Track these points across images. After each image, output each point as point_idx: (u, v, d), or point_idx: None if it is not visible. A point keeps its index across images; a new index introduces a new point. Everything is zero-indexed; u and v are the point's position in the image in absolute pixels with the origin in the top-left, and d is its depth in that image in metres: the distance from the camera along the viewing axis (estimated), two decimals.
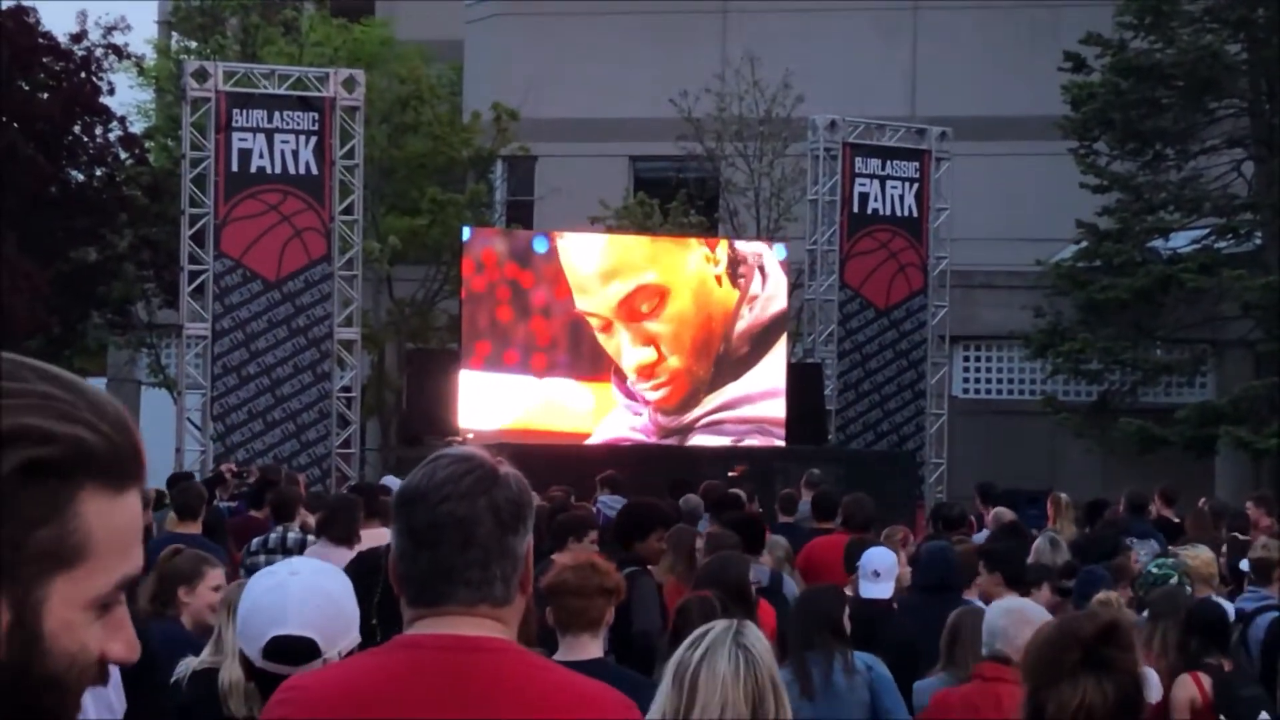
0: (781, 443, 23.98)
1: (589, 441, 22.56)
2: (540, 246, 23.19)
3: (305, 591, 3.73)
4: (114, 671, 4.60)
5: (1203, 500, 16.11)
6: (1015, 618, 6.31)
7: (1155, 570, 9.34)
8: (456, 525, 2.74)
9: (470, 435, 21.57)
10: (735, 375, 23.78)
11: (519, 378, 22.50)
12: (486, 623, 2.77)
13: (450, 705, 2.70)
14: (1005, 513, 14.28)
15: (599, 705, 2.79)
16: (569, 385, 22.85)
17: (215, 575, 7.07)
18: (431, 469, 2.82)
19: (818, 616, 8.02)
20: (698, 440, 23.44)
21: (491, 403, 22.38)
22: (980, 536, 13.55)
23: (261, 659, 3.80)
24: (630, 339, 23.10)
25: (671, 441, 23.35)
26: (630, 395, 23.12)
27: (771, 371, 24.11)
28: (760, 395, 23.99)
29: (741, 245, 24.82)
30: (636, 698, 3.63)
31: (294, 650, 3.67)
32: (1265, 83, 28.25)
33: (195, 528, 11.06)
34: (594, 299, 22.91)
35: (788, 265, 24.51)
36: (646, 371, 23.19)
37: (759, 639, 3.95)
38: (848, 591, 9.62)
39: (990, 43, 33.15)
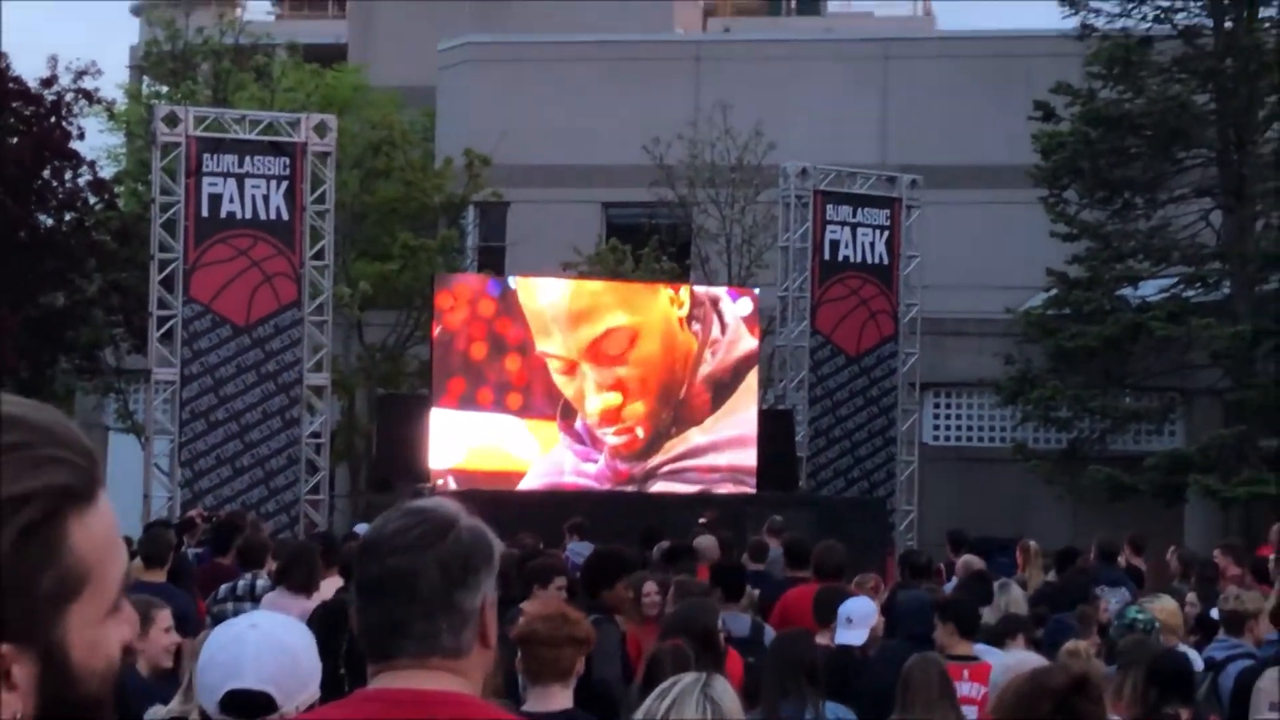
0: (752, 490, 23.95)
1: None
2: (499, 289, 23.15)
3: (263, 645, 3.68)
4: None
5: (1170, 549, 16.13)
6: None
7: (1136, 615, 9.30)
8: (400, 579, 2.73)
9: (440, 482, 21.52)
10: (696, 421, 23.74)
11: (492, 416, 22.44)
12: (443, 675, 2.74)
13: None
14: (974, 561, 14.26)
15: None
16: (544, 426, 22.81)
17: (164, 617, 7.00)
18: (383, 522, 2.82)
19: (792, 662, 8.00)
20: (662, 487, 23.38)
21: (462, 442, 22.32)
22: (950, 585, 13.54)
23: (218, 713, 3.76)
24: (595, 383, 23.05)
25: (635, 489, 23.28)
26: (580, 439, 23.04)
27: (741, 419, 24.08)
28: (729, 442, 23.95)
29: (700, 290, 24.83)
30: None
31: (250, 704, 3.63)
32: (1233, 132, 28.41)
33: (161, 575, 11.00)
34: (557, 341, 22.87)
35: (756, 315, 24.50)
36: (611, 416, 23.14)
37: (727, 690, 3.93)
38: (821, 640, 9.59)
39: (961, 91, 33.32)
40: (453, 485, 21.74)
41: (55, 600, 1.56)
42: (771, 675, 7.87)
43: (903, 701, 7.48)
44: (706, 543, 14.51)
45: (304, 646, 3.74)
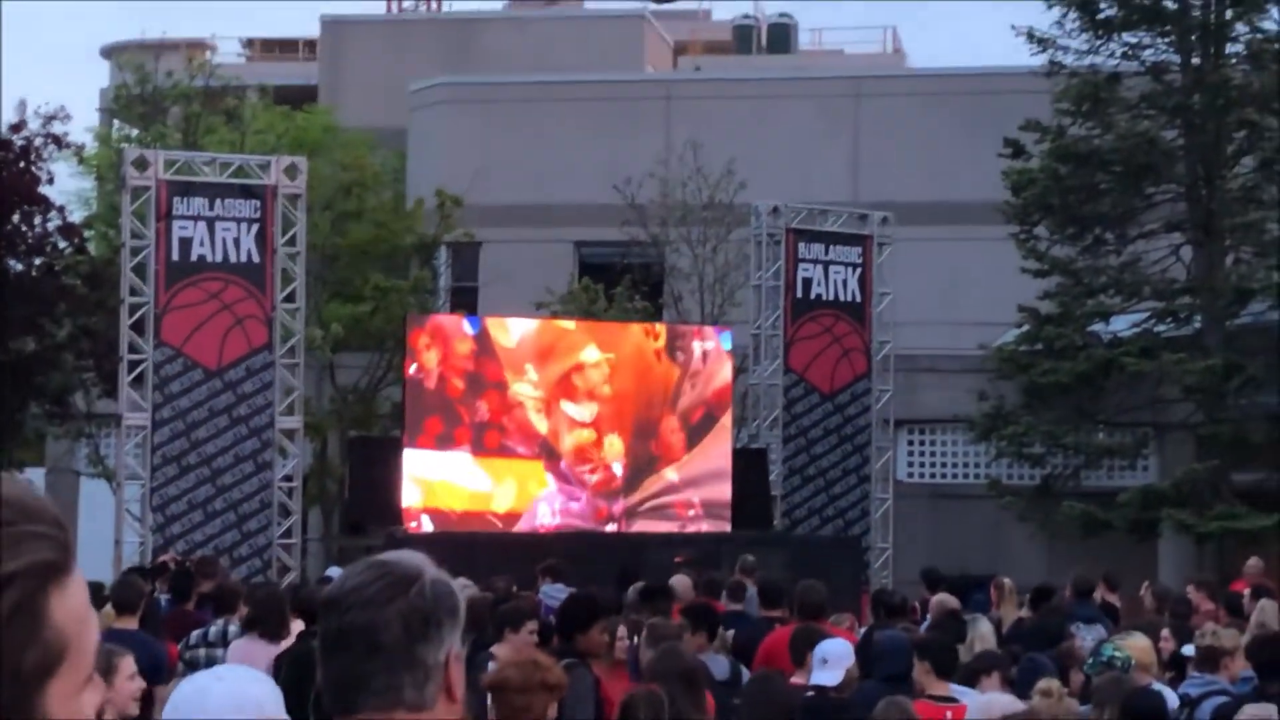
0: (728, 526, 23.92)
1: (518, 528, 22.41)
2: (474, 328, 23.15)
3: (227, 697, 3.65)
4: None
5: (1144, 585, 16.13)
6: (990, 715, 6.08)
7: (1113, 653, 9.26)
8: (360, 633, 2.72)
9: (414, 524, 21.44)
10: (676, 456, 23.74)
11: (468, 456, 22.40)
12: None
13: None
14: (949, 599, 14.23)
15: None
16: (524, 466, 22.77)
17: (127, 664, 6.94)
18: (346, 576, 2.82)
19: (768, 704, 8.00)
20: (642, 525, 23.34)
21: (437, 483, 22.26)
22: (926, 624, 13.50)
23: None
24: (569, 420, 23.04)
25: (614, 528, 23.25)
26: (565, 478, 23.02)
27: (717, 453, 24.09)
28: (706, 477, 23.95)
29: (681, 326, 24.92)
30: None
31: None
32: (1202, 167, 28.56)
33: (133, 622, 10.91)
34: (532, 379, 22.85)
35: (731, 353, 24.53)
36: (585, 453, 23.11)
37: None
38: (797, 680, 9.56)
39: (931, 129, 33.46)
40: (428, 526, 21.69)
41: (38, 677, 1.54)
42: (747, 715, 7.86)
43: None
44: (681, 583, 14.48)
45: (270, 699, 3.70)
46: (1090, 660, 9.43)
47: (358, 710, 2.74)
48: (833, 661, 9.40)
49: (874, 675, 9.49)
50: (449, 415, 22.47)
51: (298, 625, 10.32)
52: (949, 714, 8.13)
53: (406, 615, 2.72)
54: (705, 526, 23.76)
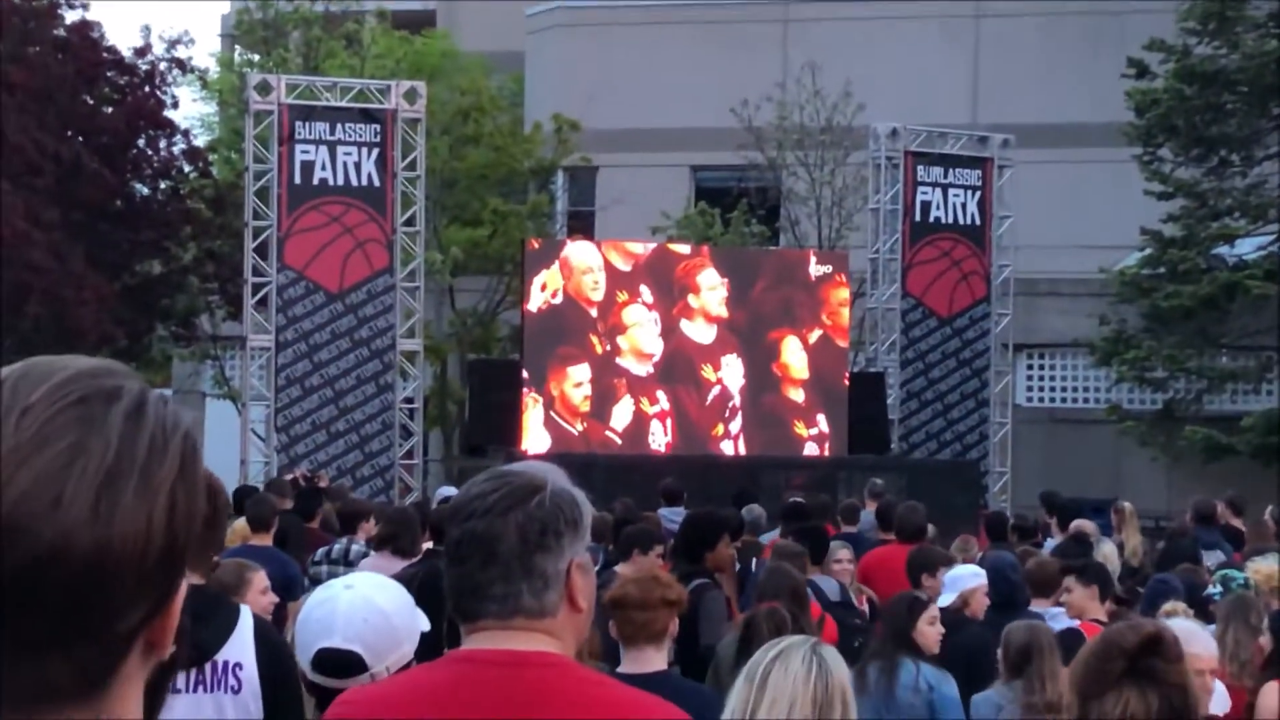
0: (845, 451, 23.97)
1: (635, 447, 22.64)
2: (592, 252, 23.28)
3: (355, 606, 3.72)
4: (252, 678, 4.58)
5: (1268, 510, 15.97)
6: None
7: (1235, 576, 9.21)
8: (478, 542, 2.78)
9: (525, 449, 21.62)
10: (795, 378, 23.88)
11: (586, 375, 22.66)
12: (535, 636, 2.79)
13: (501, 718, 2.72)
14: (1086, 524, 14.10)
15: (649, 718, 2.79)
16: (636, 384, 23.00)
17: (259, 579, 7.04)
18: (469, 487, 2.88)
19: (887, 624, 8.08)
20: (758, 445, 23.47)
21: (556, 406, 22.51)
22: (1048, 546, 13.46)
23: (312, 671, 3.82)
24: (685, 341, 23.25)
25: (730, 447, 23.37)
26: (680, 398, 23.19)
27: (834, 377, 24.15)
28: (822, 400, 24.04)
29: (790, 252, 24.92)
30: (701, 710, 3.62)
31: (340, 664, 3.67)
32: None
33: (267, 539, 11.10)
34: (645, 302, 23.06)
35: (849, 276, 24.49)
36: (700, 373, 23.33)
37: (835, 654, 3.92)
38: None
39: (1053, 49, 32.99)
40: (543, 445, 21.93)
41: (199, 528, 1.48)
42: (885, 637, 7.94)
43: (1018, 671, 7.41)
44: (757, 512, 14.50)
45: (399, 609, 3.76)
46: (1219, 589, 9.37)
47: (479, 618, 2.80)
48: (949, 585, 9.41)
49: None
50: (567, 337, 22.65)
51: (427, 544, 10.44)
52: None
53: (523, 525, 2.77)
54: (821, 449, 23.81)
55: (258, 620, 5.22)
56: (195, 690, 4.68)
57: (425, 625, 3.85)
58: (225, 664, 4.76)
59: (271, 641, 5.14)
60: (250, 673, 4.97)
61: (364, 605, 3.72)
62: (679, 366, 23.22)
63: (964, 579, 9.43)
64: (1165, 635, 3.49)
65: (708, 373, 23.35)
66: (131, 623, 1.39)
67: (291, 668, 5.07)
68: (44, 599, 1.34)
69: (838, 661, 3.75)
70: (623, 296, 22.98)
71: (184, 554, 1.42)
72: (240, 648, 4.91)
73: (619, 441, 22.75)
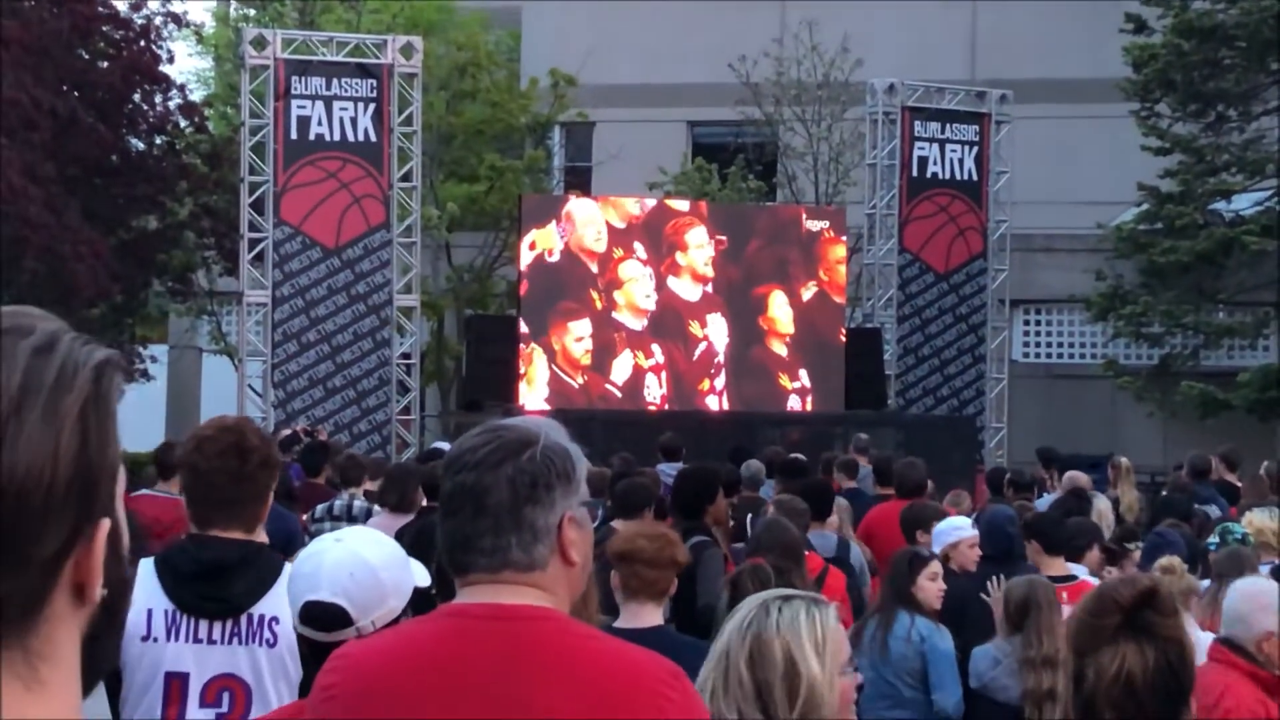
0: (842, 406, 24.01)
1: (630, 402, 22.74)
2: (586, 208, 23.27)
3: (341, 560, 3.74)
4: (288, 634, 4.59)
5: (1263, 465, 16.01)
6: (1253, 604, 5.57)
7: (1233, 530, 9.24)
8: (468, 494, 2.80)
9: (523, 403, 21.67)
10: (783, 332, 23.95)
11: (584, 332, 22.73)
12: (522, 589, 2.80)
13: (491, 673, 2.74)
14: (1080, 476, 14.14)
15: (640, 671, 2.79)
16: (632, 338, 23.06)
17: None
18: (462, 439, 2.90)
19: (889, 580, 8.13)
20: (746, 398, 23.57)
21: (552, 361, 22.56)
22: (1044, 502, 13.51)
23: (299, 625, 3.85)
24: (674, 297, 23.31)
25: (716, 401, 23.46)
26: (671, 351, 23.26)
27: (828, 332, 24.17)
28: (815, 355, 24.07)
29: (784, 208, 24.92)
30: (695, 663, 3.62)
31: (324, 617, 3.69)
32: None
33: None
34: (639, 258, 23.11)
35: (846, 232, 24.49)
36: (689, 328, 23.40)
37: (797, 609, 3.80)
38: None
39: (1050, 5, 32.88)
40: (542, 397, 21.99)
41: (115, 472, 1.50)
42: (884, 592, 7.99)
43: (1017, 625, 7.44)
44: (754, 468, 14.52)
45: (386, 563, 3.75)
46: (1216, 540, 9.40)
47: (469, 570, 2.82)
48: (936, 540, 9.43)
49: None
50: (569, 292, 22.71)
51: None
52: (1064, 594, 8.11)
53: (514, 478, 2.78)
54: (803, 403, 23.89)
55: None
56: (230, 642, 4.69)
57: (420, 581, 3.85)
58: (261, 617, 4.77)
59: None
60: (287, 628, 4.98)
61: (350, 559, 3.73)
62: (669, 322, 23.32)
63: (947, 533, 9.46)
64: (1161, 590, 3.51)
65: (695, 329, 23.45)
66: (45, 551, 1.40)
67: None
68: None
69: (792, 617, 3.69)
70: (619, 252, 23.03)
71: (98, 485, 1.44)
72: (278, 602, 4.92)
73: (618, 394, 22.84)
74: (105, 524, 1.47)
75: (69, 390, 1.41)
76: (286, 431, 18.00)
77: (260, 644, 4.83)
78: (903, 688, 7.81)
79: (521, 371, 22.32)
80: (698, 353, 23.46)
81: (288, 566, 5.20)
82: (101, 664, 1.54)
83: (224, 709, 4.81)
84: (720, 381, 23.53)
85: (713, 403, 23.48)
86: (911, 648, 7.80)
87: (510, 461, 2.79)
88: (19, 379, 1.40)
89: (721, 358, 23.54)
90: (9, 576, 1.39)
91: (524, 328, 22.53)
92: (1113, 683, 3.32)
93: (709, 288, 23.49)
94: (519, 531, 2.79)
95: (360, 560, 3.71)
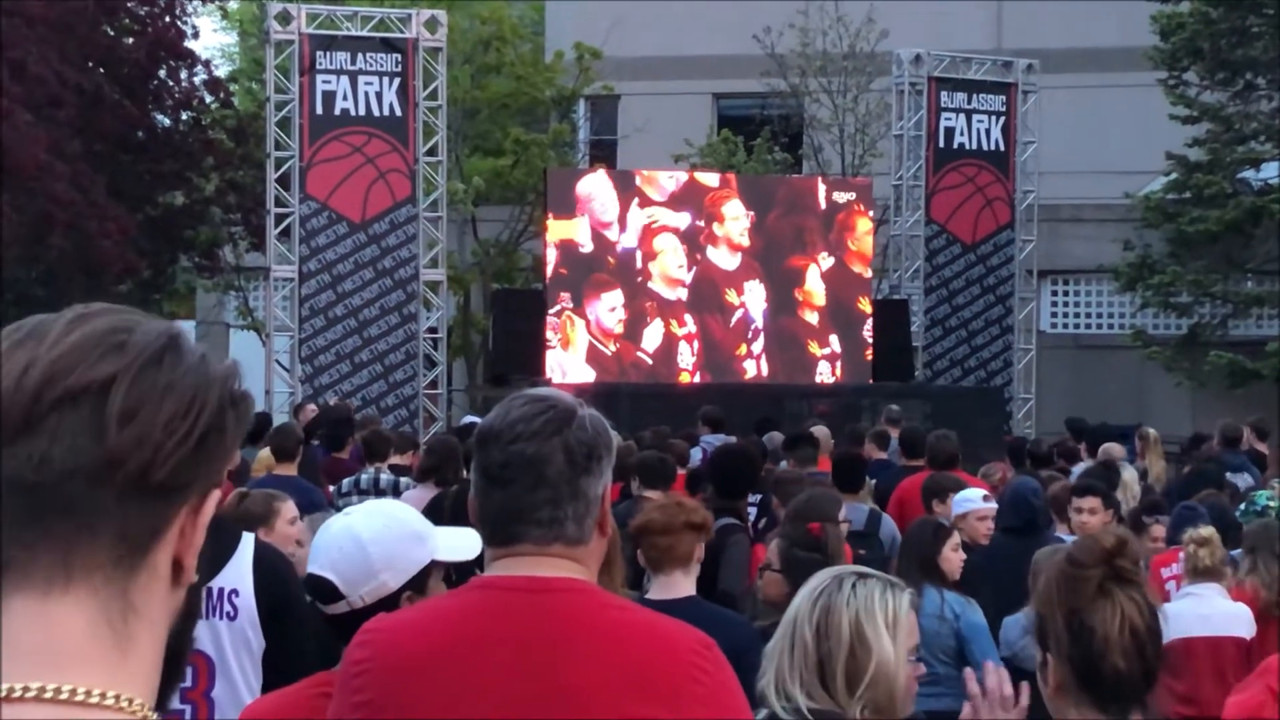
0: (869, 378, 23.99)
1: (664, 370, 22.80)
2: (616, 181, 23.26)
3: (336, 534, 3.73)
4: (249, 605, 4.63)
5: None
6: None
7: (1267, 500, 9.20)
8: (527, 464, 2.77)
9: (550, 377, 21.70)
10: (815, 303, 23.97)
11: (614, 304, 22.79)
12: (562, 563, 2.79)
13: (525, 646, 2.73)
14: (1114, 448, 14.08)
15: (673, 642, 2.78)
16: (672, 312, 23.12)
17: (288, 509, 7.06)
18: (506, 408, 2.85)
19: (909, 551, 8.07)
20: (778, 366, 23.61)
21: (580, 334, 22.60)
22: (1077, 471, 13.46)
23: (308, 597, 3.88)
24: (709, 266, 23.35)
25: (751, 368, 23.50)
26: (704, 320, 23.31)
27: (856, 304, 24.15)
28: (844, 326, 24.08)
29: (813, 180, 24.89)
30: (727, 634, 3.62)
31: (318, 590, 3.69)
32: None
33: (292, 469, 11.16)
34: (672, 229, 23.14)
35: (872, 203, 24.45)
36: (724, 297, 23.44)
37: (858, 587, 3.82)
38: None
39: None
40: (569, 379, 21.99)
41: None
42: (906, 564, 7.91)
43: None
44: (822, 433, 14.54)
45: (378, 538, 3.68)
46: (1243, 507, 9.36)
47: (519, 541, 2.79)
48: (955, 509, 9.40)
49: (998, 525, 9.46)
50: (601, 263, 22.75)
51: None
52: None
53: (570, 448, 2.77)
54: (833, 369, 23.90)
55: (260, 547, 5.24)
56: None
57: (429, 556, 3.75)
58: (220, 591, 4.79)
59: (272, 569, 5.16)
60: (247, 600, 5.00)
61: (343, 533, 3.72)
62: (705, 291, 23.32)
63: (959, 504, 9.44)
64: (1130, 540, 3.50)
65: (731, 297, 23.46)
66: (170, 486, 1.47)
67: (292, 594, 5.12)
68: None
69: (867, 595, 3.69)
70: (654, 224, 23.08)
71: (218, 455, 1.51)
72: (237, 575, 4.93)
73: (650, 361, 22.90)
74: (214, 497, 1.52)
75: (231, 373, 1.54)
76: (311, 413, 17.93)
77: (220, 617, 4.86)
78: (938, 666, 7.75)
79: (550, 342, 22.35)
80: (734, 320, 23.52)
81: (248, 538, 5.22)
82: (181, 666, 1.57)
83: (187, 683, 4.83)
84: (757, 346, 23.59)
85: (749, 368, 23.54)
86: (946, 625, 7.73)
87: (566, 430, 2.78)
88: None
89: (759, 323, 23.59)
90: (134, 501, 1.44)
91: (564, 296, 22.57)
92: (1120, 632, 3.31)
93: (745, 256, 23.55)
94: (575, 502, 2.78)
95: (351, 534, 3.69)
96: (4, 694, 1.37)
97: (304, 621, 5.22)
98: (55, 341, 1.46)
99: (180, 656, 1.55)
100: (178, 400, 1.46)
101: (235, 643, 4.88)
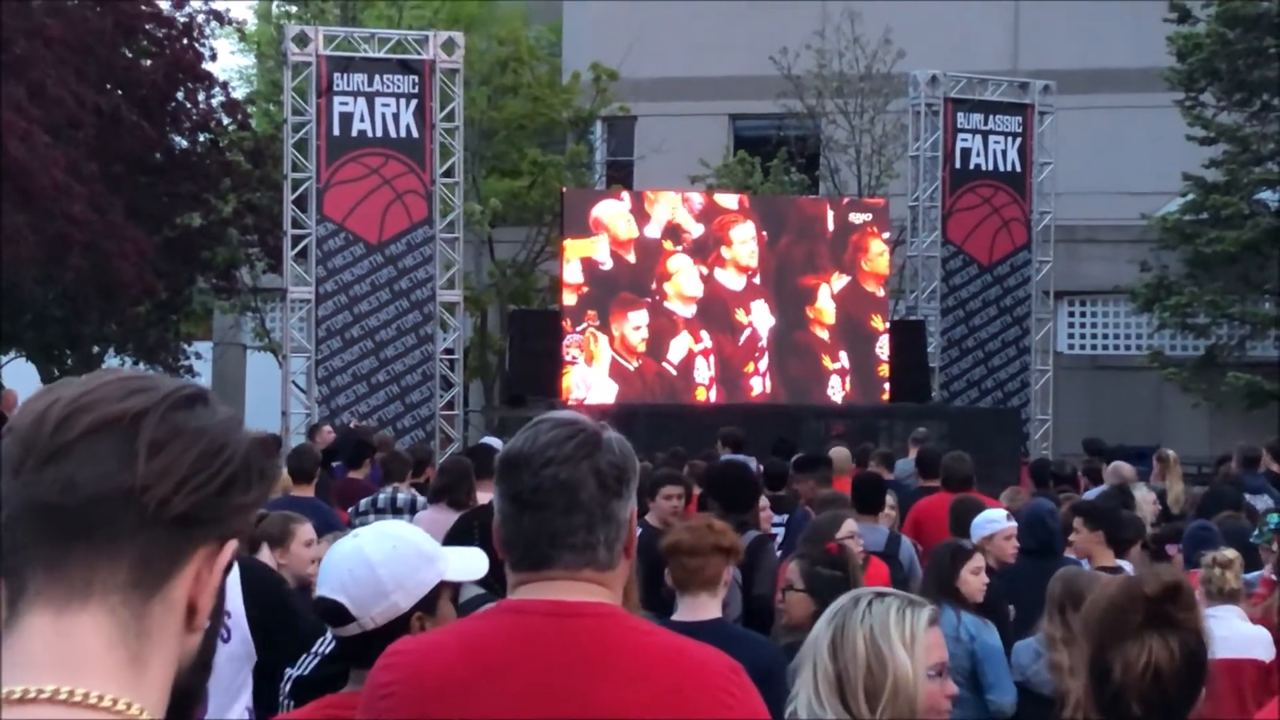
0: (884, 398, 23.97)
1: (682, 387, 22.87)
2: (631, 202, 23.31)
3: (345, 556, 3.71)
4: (241, 624, 4.66)
5: None
6: None
7: (1273, 519, 9.16)
8: (560, 489, 2.75)
9: (570, 399, 21.71)
10: (827, 321, 24.00)
11: (631, 324, 22.83)
12: (591, 587, 2.78)
13: (555, 670, 2.71)
14: (1124, 467, 14.03)
15: (701, 667, 2.77)
16: (687, 331, 23.15)
17: (305, 530, 7.08)
18: (534, 433, 2.83)
19: (928, 573, 8.05)
20: (788, 382, 23.63)
21: (597, 356, 22.62)
22: (1093, 494, 13.42)
23: (320, 619, 3.86)
24: (719, 287, 23.43)
25: (760, 385, 23.52)
26: (718, 338, 23.36)
27: (871, 324, 24.14)
28: (858, 347, 24.08)
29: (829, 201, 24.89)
30: (755, 657, 3.61)
31: (329, 612, 3.68)
32: None
33: (309, 490, 11.16)
34: (684, 250, 23.18)
35: (888, 224, 24.44)
36: (734, 316, 23.49)
37: (871, 606, 3.83)
38: None
39: None
40: (592, 395, 22.04)
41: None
42: (927, 586, 7.89)
43: (1063, 618, 7.36)
44: (839, 454, 14.51)
45: (388, 559, 3.67)
46: (1259, 530, 9.32)
47: (550, 565, 2.78)
48: (974, 530, 9.38)
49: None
50: (625, 283, 22.82)
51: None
52: None
53: (601, 471, 2.76)
54: (843, 384, 23.91)
55: (247, 565, 5.25)
56: None
57: (439, 576, 3.73)
58: None
59: (261, 587, 5.16)
60: (239, 620, 4.99)
61: (352, 555, 3.70)
62: (715, 310, 23.37)
63: (983, 525, 9.40)
64: (1184, 584, 3.49)
65: (740, 316, 23.52)
66: (190, 519, 1.53)
67: (284, 608, 5.10)
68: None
69: (882, 613, 3.70)
70: (669, 244, 23.15)
71: (242, 504, 1.59)
72: (228, 595, 4.93)
73: (674, 373, 22.93)
74: (231, 546, 1.59)
75: (266, 442, 1.60)
76: (329, 435, 17.89)
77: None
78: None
79: (574, 359, 22.40)
80: (743, 338, 23.56)
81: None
82: (190, 711, 1.61)
83: None
84: (764, 364, 23.61)
85: (757, 385, 23.55)
86: (961, 646, 7.69)
87: (596, 455, 2.77)
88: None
89: (764, 341, 23.63)
90: (155, 530, 1.50)
91: (590, 315, 22.60)
92: (1140, 676, 3.30)
93: (754, 278, 23.58)
94: (607, 526, 2.77)
95: (361, 556, 3.68)
96: (18, 695, 1.43)
97: (294, 633, 5.24)
98: (84, 384, 1.54)
99: (190, 701, 1.58)
100: (209, 442, 1.54)
101: (231, 662, 4.88)
